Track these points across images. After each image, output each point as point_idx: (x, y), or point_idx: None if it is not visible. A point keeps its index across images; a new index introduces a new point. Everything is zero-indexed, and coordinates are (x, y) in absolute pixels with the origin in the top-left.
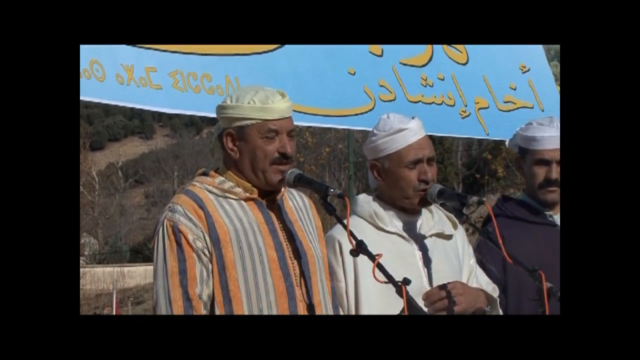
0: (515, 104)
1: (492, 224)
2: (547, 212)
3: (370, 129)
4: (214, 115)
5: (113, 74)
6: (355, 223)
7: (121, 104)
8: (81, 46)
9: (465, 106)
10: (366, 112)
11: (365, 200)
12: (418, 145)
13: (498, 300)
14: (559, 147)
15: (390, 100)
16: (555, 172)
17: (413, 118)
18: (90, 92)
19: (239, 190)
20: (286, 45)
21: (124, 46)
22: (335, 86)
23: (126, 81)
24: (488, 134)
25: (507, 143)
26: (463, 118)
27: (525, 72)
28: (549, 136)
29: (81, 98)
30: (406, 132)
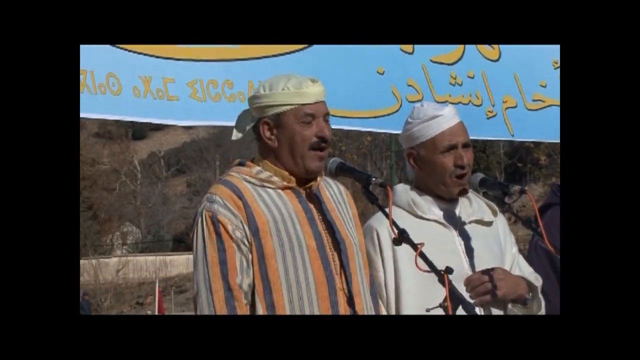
0: (544, 102)
1: (549, 212)
2: None
3: (395, 132)
4: (232, 124)
5: (130, 86)
6: (394, 212)
7: (136, 119)
8: (99, 59)
9: (493, 106)
10: (393, 114)
11: (403, 190)
12: (452, 131)
13: (539, 288)
14: None
15: (417, 101)
16: None
17: (447, 105)
18: (105, 108)
19: (276, 179)
20: (312, 46)
21: (143, 56)
22: (362, 87)
23: (142, 94)
24: (513, 135)
25: None
26: (489, 118)
27: (558, 67)
28: None
29: (96, 116)
30: (440, 118)
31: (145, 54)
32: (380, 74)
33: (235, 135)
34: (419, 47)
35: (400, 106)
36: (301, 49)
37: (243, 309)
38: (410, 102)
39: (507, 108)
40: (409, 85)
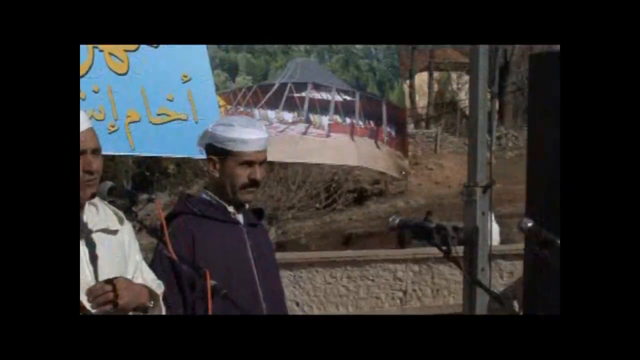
0: (169, 116)
1: (175, 222)
2: (230, 210)
3: None
4: None
5: None
6: None
7: None
8: None
9: (116, 120)
10: None
11: None
12: (82, 137)
13: (161, 296)
14: (264, 148)
15: None
16: (259, 174)
17: (84, 111)
18: None
19: None
20: None
21: None
22: None
23: None
24: (134, 149)
25: (197, 141)
26: (110, 133)
27: (186, 81)
28: (257, 138)
29: None
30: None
31: None
32: None
33: None
34: None
35: None
36: None
37: None
38: None
39: (130, 122)
40: None
